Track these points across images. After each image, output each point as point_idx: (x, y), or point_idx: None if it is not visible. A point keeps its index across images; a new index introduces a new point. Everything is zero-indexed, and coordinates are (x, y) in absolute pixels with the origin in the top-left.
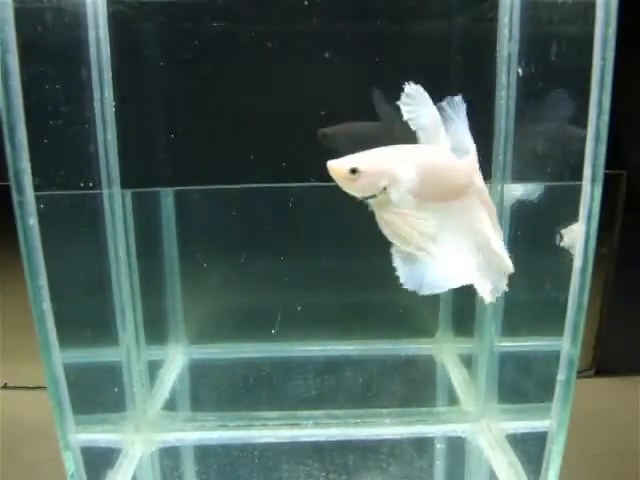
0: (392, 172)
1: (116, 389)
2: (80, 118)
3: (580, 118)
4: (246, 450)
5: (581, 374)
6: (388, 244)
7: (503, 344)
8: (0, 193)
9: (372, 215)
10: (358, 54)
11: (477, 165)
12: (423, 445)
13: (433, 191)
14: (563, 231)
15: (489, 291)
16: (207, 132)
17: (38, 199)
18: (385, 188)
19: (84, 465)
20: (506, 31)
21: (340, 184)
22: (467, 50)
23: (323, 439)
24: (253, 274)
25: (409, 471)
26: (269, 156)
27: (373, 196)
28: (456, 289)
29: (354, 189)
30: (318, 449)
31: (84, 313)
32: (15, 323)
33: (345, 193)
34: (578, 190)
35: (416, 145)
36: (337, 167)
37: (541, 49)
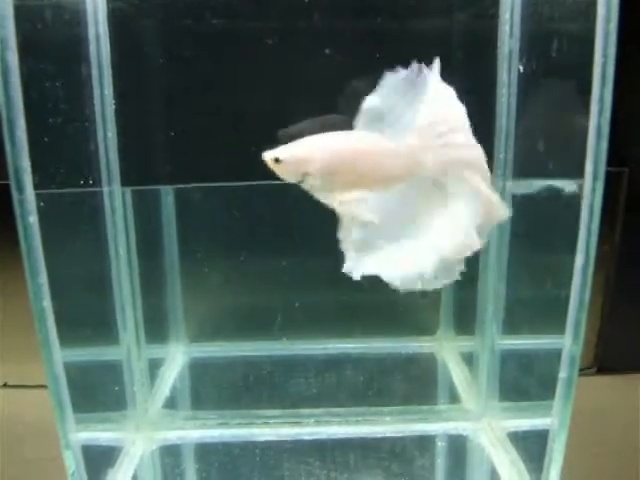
0: (310, 159)
1: (117, 388)
2: (80, 116)
3: (581, 115)
4: (247, 448)
5: (582, 372)
6: None
7: (504, 342)
8: (0, 191)
9: None
10: (359, 51)
11: (430, 142)
12: (424, 443)
13: (362, 176)
14: None
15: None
16: (207, 129)
17: (38, 197)
18: (308, 174)
19: (85, 464)
20: (507, 28)
21: (274, 172)
22: (468, 47)
23: (324, 437)
24: (253, 272)
25: (410, 469)
26: None
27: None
28: (458, 287)
29: (283, 176)
30: (319, 447)
31: (84, 311)
32: (15, 322)
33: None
34: (580, 187)
35: (346, 132)
36: (265, 157)
37: (542, 46)
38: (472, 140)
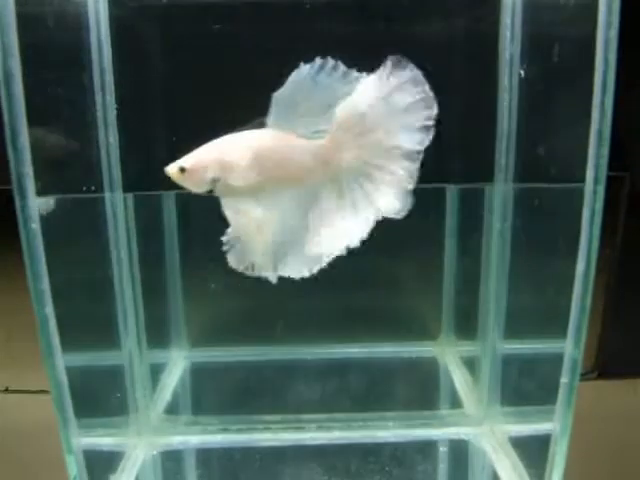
0: (216, 162)
1: (118, 393)
2: (82, 122)
3: (583, 119)
4: (248, 453)
5: (583, 377)
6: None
7: (506, 347)
8: (3, 197)
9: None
10: (360, 56)
11: (344, 142)
12: (426, 448)
13: (273, 174)
14: None
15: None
16: (208, 135)
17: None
18: (216, 180)
19: (86, 469)
20: (508, 32)
21: (181, 184)
22: (469, 52)
23: (326, 442)
24: (254, 277)
25: (412, 474)
26: None
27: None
28: (459, 292)
29: (191, 186)
30: (321, 452)
31: (86, 317)
32: (18, 327)
33: None
34: (581, 192)
35: (253, 131)
36: (169, 170)
37: (543, 50)
38: (396, 139)
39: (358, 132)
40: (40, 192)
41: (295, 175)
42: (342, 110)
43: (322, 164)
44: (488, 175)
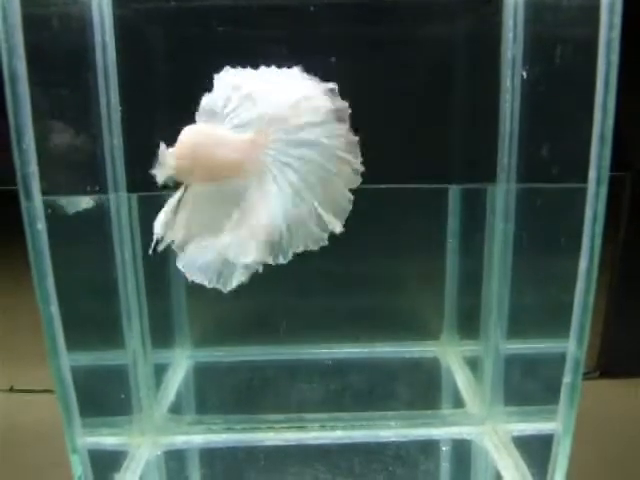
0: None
1: (122, 392)
2: (86, 122)
3: (585, 120)
4: (252, 453)
5: (586, 376)
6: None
7: (509, 346)
8: (8, 198)
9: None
10: (363, 58)
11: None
12: (429, 448)
13: (200, 167)
14: None
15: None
16: None
17: (45, 204)
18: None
19: (91, 468)
20: (510, 34)
21: None
22: (471, 53)
23: (329, 442)
24: (258, 276)
25: (415, 474)
26: None
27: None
28: (462, 291)
29: None
30: (324, 452)
31: (91, 317)
32: (22, 326)
33: None
34: (583, 192)
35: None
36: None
37: (545, 51)
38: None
39: (283, 129)
40: (45, 192)
41: (219, 169)
42: (267, 107)
43: (245, 159)
44: (490, 175)
